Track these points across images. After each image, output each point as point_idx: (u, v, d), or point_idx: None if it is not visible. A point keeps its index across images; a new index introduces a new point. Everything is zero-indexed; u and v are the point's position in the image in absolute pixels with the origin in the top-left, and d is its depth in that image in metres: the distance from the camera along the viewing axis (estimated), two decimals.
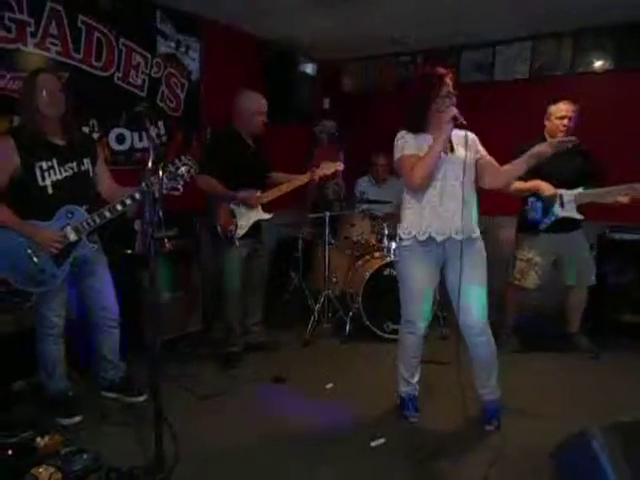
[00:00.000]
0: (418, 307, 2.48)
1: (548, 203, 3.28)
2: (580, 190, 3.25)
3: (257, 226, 3.33)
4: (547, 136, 3.32)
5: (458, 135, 2.39)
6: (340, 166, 3.45)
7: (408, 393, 2.67)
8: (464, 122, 2.26)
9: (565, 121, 3.27)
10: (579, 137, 2.49)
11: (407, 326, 2.55)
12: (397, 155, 2.42)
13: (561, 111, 3.29)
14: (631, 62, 4.17)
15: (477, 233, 2.45)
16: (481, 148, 2.46)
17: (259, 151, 3.34)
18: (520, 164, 2.34)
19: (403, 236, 2.48)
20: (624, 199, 3.19)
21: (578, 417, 2.39)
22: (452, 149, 2.39)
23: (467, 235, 2.40)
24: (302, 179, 3.35)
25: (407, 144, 2.39)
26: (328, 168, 3.38)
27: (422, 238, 2.40)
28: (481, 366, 2.51)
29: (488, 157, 2.44)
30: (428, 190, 2.37)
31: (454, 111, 2.26)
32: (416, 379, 2.65)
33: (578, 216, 3.30)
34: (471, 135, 2.40)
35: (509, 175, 2.44)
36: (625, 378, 3.16)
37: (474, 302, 2.39)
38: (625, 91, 4.22)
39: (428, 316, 2.52)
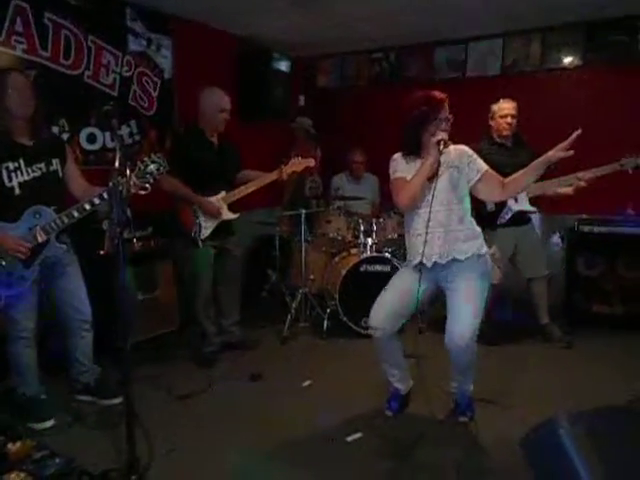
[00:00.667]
0: (382, 310, 2.47)
1: None
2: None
3: (226, 224, 3.27)
4: (494, 135, 3.43)
5: (450, 156, 2.35)
6: (311, 162, 3.41)
7: (390, 389, 2.70)
8: (447, 146, 2.25)
9: (508, 119, 3.37)
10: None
11: (370, 323, 2.53)
12: (391, 177, 2.45)
13: (503, 110, 3.39)
14: (598, 58, 4.26)
15: (470, 254, 2.36)
16: (478, 165, 2.37)
17: (225, 150, 3.27)
18: (530, 172, 2.25)
19: (407, 257, 2.55)
20: (568, 190, 3.25)
21: (551, 406, 2.45)
22: (437, 174, 2.31)
23: (457, 257, 2.36)
24: (270, 176, 3.29)
25: (398, 166, 2.42)
26: (297, 165, 3.34)
27: (414, 263, 2.43)
28: (459, 370, 2.52)
29: (488, 172, 2.36)
30: (416, 216, 2.40)
31: (440, 136, 2.24)
32: (395, 377, 2.64)
33: (531, 209, 3.40)
34: (468, 152, 2.37)
35: (517, 185, 2.33)
36: (597, 367, 3.23)
37: (461, 322, 2.34)
38: (593, 86, 4.32)
39: (388, 321, 2.44)
